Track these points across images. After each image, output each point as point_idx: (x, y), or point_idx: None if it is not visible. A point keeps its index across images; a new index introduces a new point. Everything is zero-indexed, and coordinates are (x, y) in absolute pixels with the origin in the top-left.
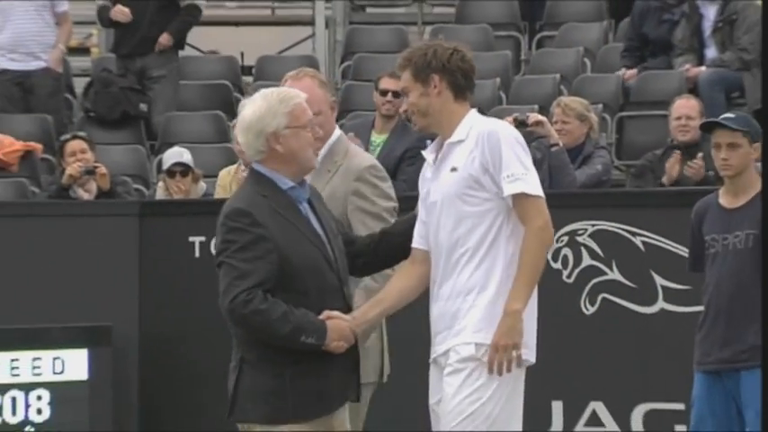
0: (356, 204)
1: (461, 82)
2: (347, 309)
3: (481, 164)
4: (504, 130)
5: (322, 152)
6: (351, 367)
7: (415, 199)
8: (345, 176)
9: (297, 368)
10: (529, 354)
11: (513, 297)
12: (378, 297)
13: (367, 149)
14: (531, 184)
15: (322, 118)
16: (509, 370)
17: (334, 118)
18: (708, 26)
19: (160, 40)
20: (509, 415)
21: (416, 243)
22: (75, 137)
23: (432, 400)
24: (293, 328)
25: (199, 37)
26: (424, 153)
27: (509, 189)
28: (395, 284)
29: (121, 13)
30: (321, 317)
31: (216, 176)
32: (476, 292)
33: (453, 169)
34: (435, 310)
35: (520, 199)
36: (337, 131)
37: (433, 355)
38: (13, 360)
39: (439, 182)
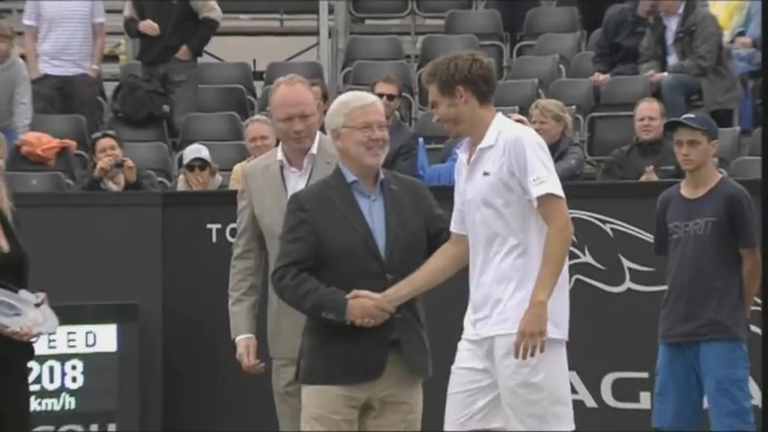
0: None
1: (484, 88)
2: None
3: (509, 169)
4: (527, 137)
5: (314, 147)
6: (386, 343)
7: None
8: None
9: (329, 337)
10: (561, 333)
11: (539, 289)
12: (412, 276)
13: None
14: (555, 186)
15: (313, 119)
16: (532, 354)
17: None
18: (670, 36)
19: (181, 51)
20: (562, 384)
21: (453, 228)
22: (105, 135)
23: (456, 365)
24: (314, 305)
25: (215, 46)
26: (458, 151)
27: (536, 191)
28: (430, 264)
29: (150, 27)
30: (348, 295)
31: (231, 170)
32: (515, 282)
33: (485, 173)
34: (478, 295)
35: (545, 200)
36: None
37: (472, 336)
38: (50, 334)
39: (473, 183)
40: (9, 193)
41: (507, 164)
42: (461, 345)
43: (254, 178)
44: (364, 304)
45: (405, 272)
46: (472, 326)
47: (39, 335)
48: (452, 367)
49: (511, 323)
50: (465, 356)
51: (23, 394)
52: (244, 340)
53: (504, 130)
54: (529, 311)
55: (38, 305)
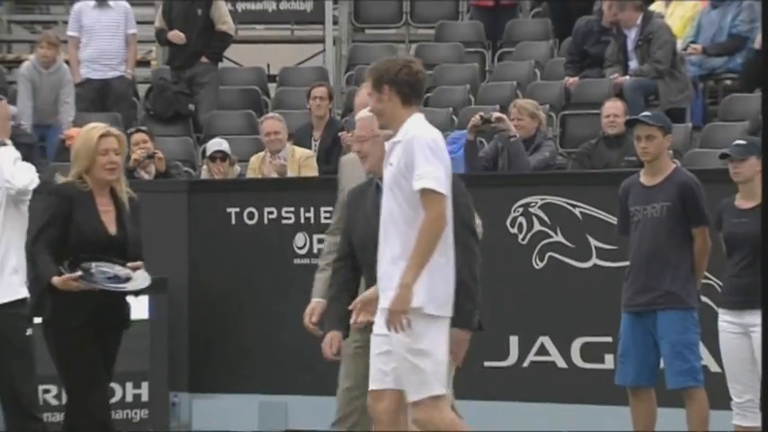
0: None
1: (407, 91)
2: None
3: (405, 164)
4: (420, 137)
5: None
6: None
7: None
8: None
9: None
10: (439, 309)
11: (406, 272)
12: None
13: None
14: (433, 181)
15: None
16: (402, 329)
17: None
18: (630, 44)
19: (204, 57)
20: (442, 353)
21: None
22: (138, 130)
23: (373, 331)
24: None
25: (234, 52)
26: (386, 145)
27: (416, 185)
28: None
29: (177, 36)
30: (351, 305)
31: (248, 161)
32: (405, 262)
33: (390, 164)
34: (381, 269)
35: (423, 193)
36: None
37: (380, 305)
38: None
39: (386, 172)
40: (128, 184)
41: (404, 159)
42: (378, 312)
43: (347, 167)
44: (324, 343)
45: None
46: (380, 294)
47: (123, 291)
48: (373, 332)
49: None
50: (377, 323)
51: (111, 359)
52: (312, 303)
53: (410, 129)
54: (396, 292)
55: (134, 269)
